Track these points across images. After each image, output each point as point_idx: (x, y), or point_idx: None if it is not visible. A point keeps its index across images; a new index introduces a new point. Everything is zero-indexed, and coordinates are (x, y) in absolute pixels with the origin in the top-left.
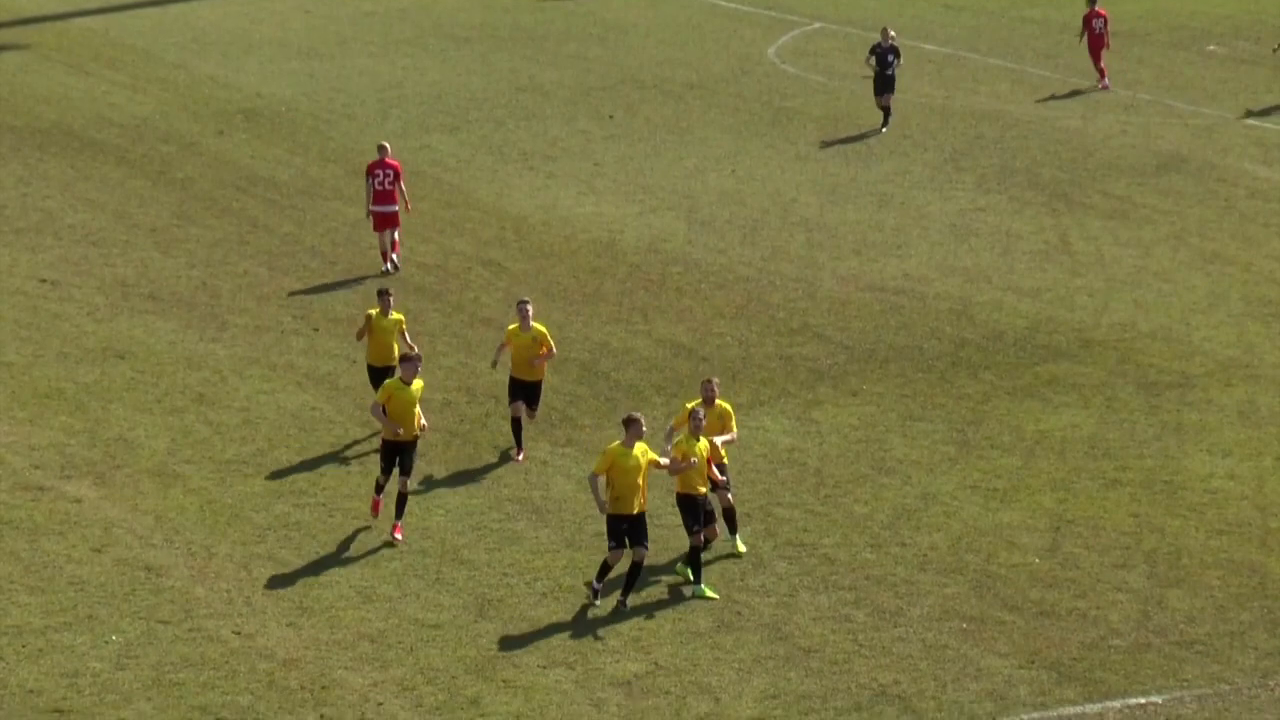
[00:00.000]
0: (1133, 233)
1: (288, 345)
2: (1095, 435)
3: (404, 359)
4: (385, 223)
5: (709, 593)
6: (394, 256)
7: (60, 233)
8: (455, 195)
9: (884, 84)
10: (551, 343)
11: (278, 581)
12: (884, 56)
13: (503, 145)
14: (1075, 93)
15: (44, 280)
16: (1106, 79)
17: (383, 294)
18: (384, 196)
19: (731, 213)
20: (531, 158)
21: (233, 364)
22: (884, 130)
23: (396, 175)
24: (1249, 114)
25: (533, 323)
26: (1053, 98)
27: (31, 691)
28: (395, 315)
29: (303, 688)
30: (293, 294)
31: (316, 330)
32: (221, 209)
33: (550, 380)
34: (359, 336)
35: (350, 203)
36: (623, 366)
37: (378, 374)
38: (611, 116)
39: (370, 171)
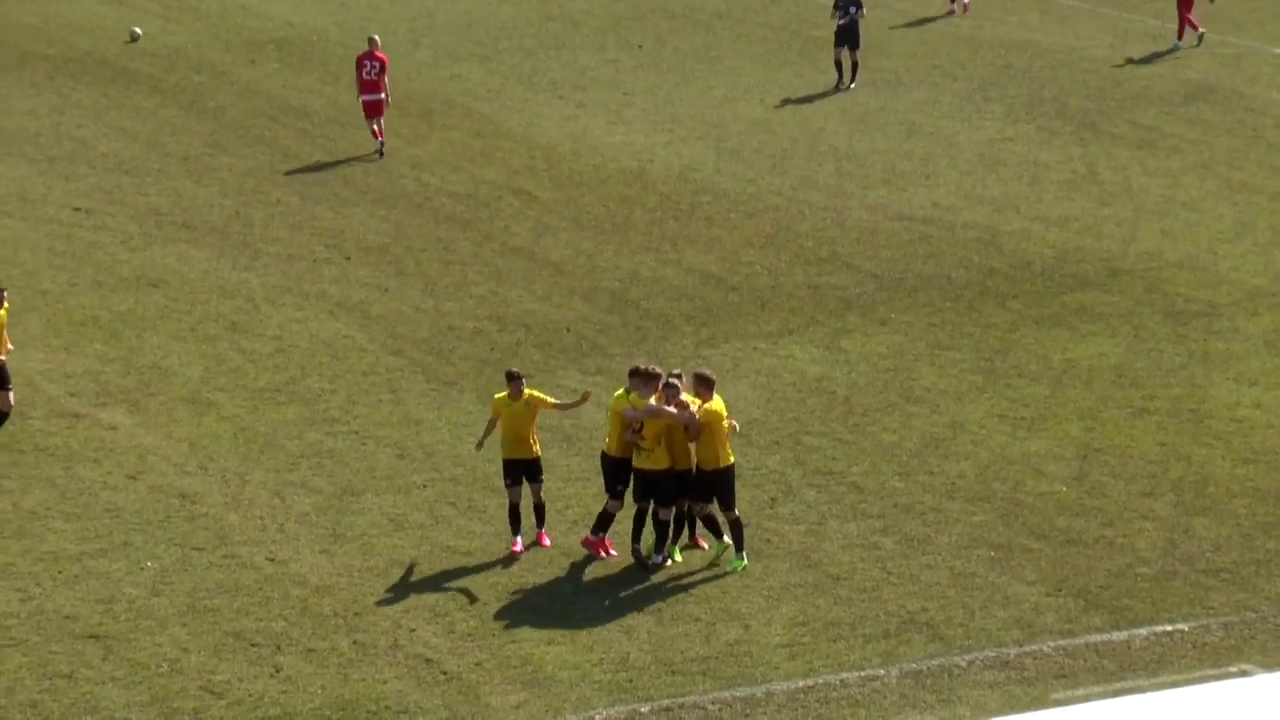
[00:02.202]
0: (1160, 162)
1: (320, 273)
2: (1122, 364)
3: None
4: (373, 110)
5: (676, 556)
6: (380, 145)
7: (94, 161)
8: (485, 124)
9: (842, 35)
10: (550, 401)
11: (311, 509)
12: (846, 7)
13: (532, 74)
14: (1105, 23)
15: (78, 209)
16: (1184, 35)
17: (513, 377)
18: (370, 85)
19: (760, 142)
20: (561, 87)
21: (265, 292)
22: (848, 87)
23: (383, 67)
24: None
25: (526, 390)
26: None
27: (68, 617)
28: (530, 393)
29: (335, 614)
30: (325, 222)
31: (349, 259)
32: (254, 138)
33: (580, 309)
34: (486, 434)
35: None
36: (652, 295)
37: (513, 467)
38: (641, 46)
39: (359, 62)
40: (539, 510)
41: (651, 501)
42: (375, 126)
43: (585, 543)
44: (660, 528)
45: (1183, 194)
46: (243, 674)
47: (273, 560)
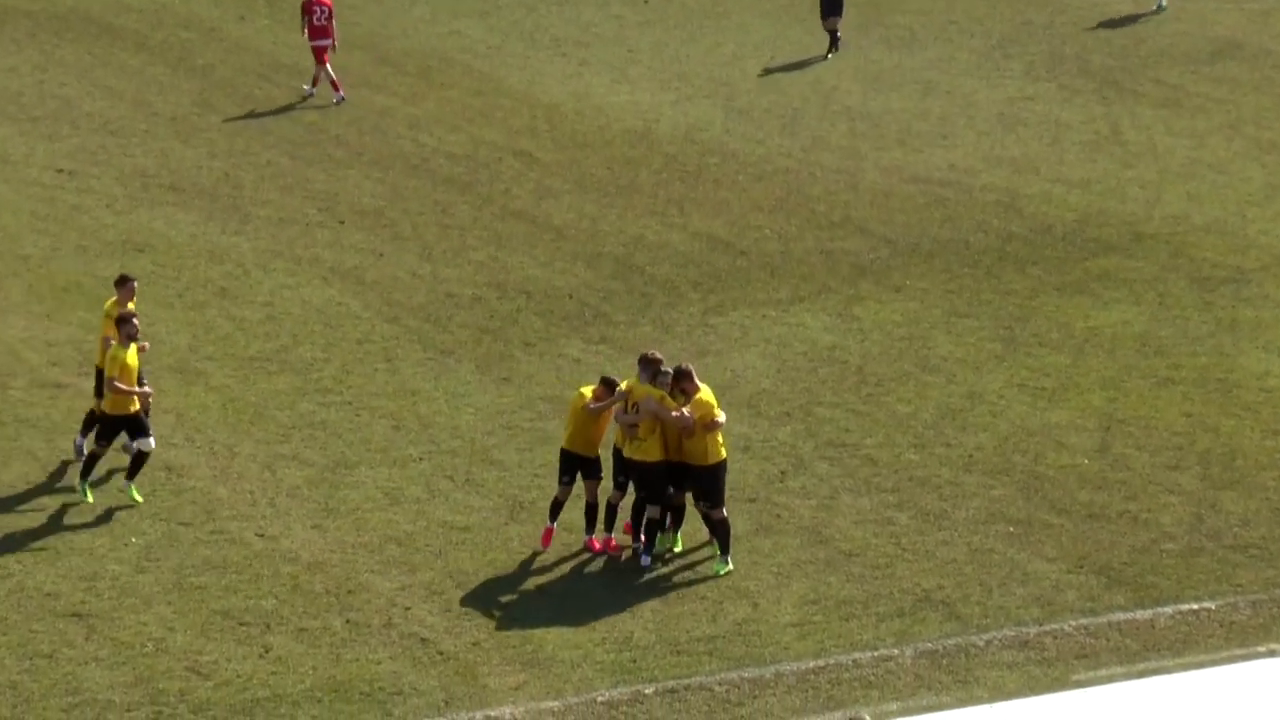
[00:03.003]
0: (1186, 122)
1: (312, 238)
2: (1147, 332)
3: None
4: (322, 55)
5: (677, 546)
6: (313, 85)
7: (78, 121)
8: (485, 83)
9: (830, 5)
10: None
11: (302, 482)
12: None
13: (534, 31)
14: None
15: (61, 170)
16: None
17: (607, 382)
18: (319, 31)
19: (770, 101)
20: (564, 44)
21: (256, 257)
22: (829, 56)
23: (330, 13)
24: None
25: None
26: None
27: (49, 595)
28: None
29: (328, 592)
30: (318, 185)
31: (342, 223)
32: (243, 97)
33: (583, 275)
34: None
35: (378, 90)
36: (658, 261)
37: (569, 460)
38: (646, 1)
39: (308, 7)
40: (590, 512)
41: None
42: (329, 75)
43: (590, 545)
44: (647, 526)
45: (1209, 155)
46: (231, 654)
47: (262, 536)
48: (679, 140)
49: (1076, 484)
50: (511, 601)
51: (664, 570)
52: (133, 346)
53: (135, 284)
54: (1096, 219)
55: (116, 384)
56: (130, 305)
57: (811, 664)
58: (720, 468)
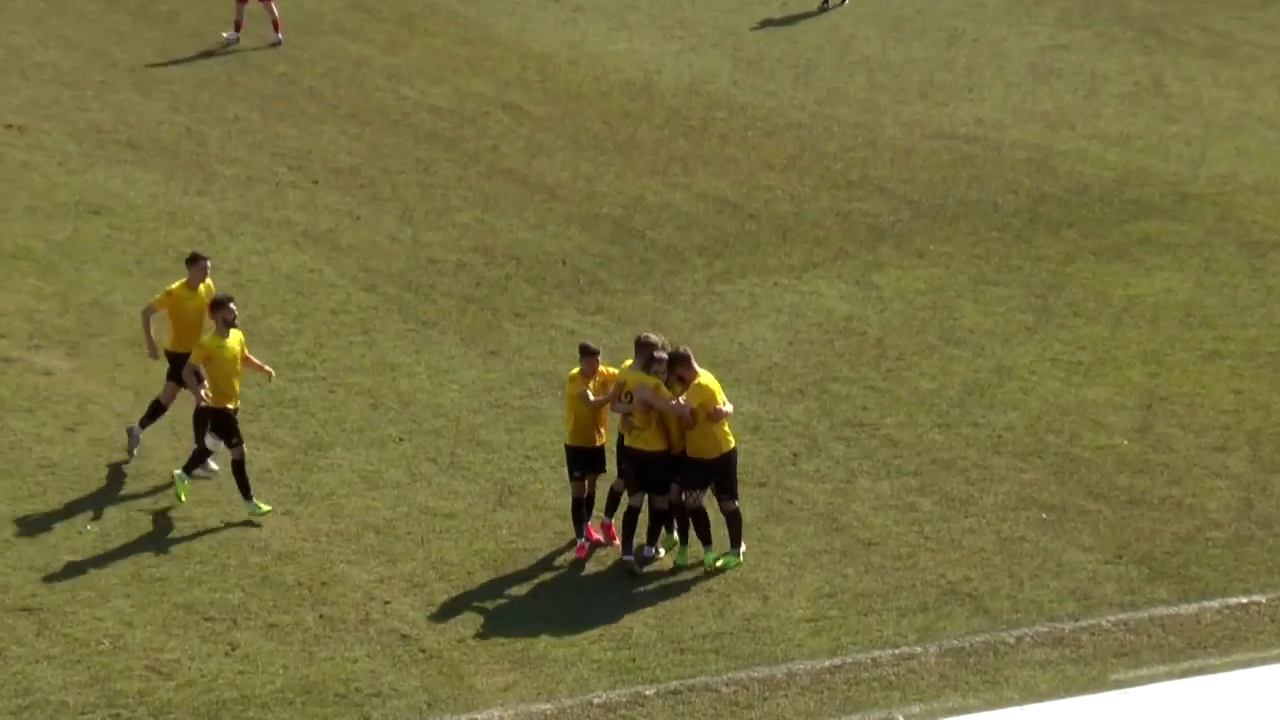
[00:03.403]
0: (1234, 73)
1: (283, 199)
2: (1192, 301)
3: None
4: None
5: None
6: (235, 30)
7: (28, 72)
8: (472, 30)
9: None
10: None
11: (272, 465)
12: None
13: None
14: None
15: (10, 125)
16: None
17: (587, 352)
18: None
19: (782, 50)
20: None
21: (221, 220)
22: (845, 1)
23: None
24: None
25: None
26: None
27: None
28: (608, 371)
29: (300, 584)
30: (289, 141)
31: (316, 182)
32: (209, 46)
33: (578, 239)
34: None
35: (354, 38)
36: (659, 224)
37: (577, 456)
38: None
39: None
40: (588, 502)
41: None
42: (271, 13)
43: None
44: (654, 517)
45: (1259, 108)
46: (194, 652)
47: (229, 523)
48: (682, 93)
49: (1115, 467)
50: (500, 595)
51: (669, 559)
52: (234, 335)
53: (208, 264)
54: (1137, 178)
55: (190, 372)
56: (202, 289)
57: (826, 663)
58: (731, 457)
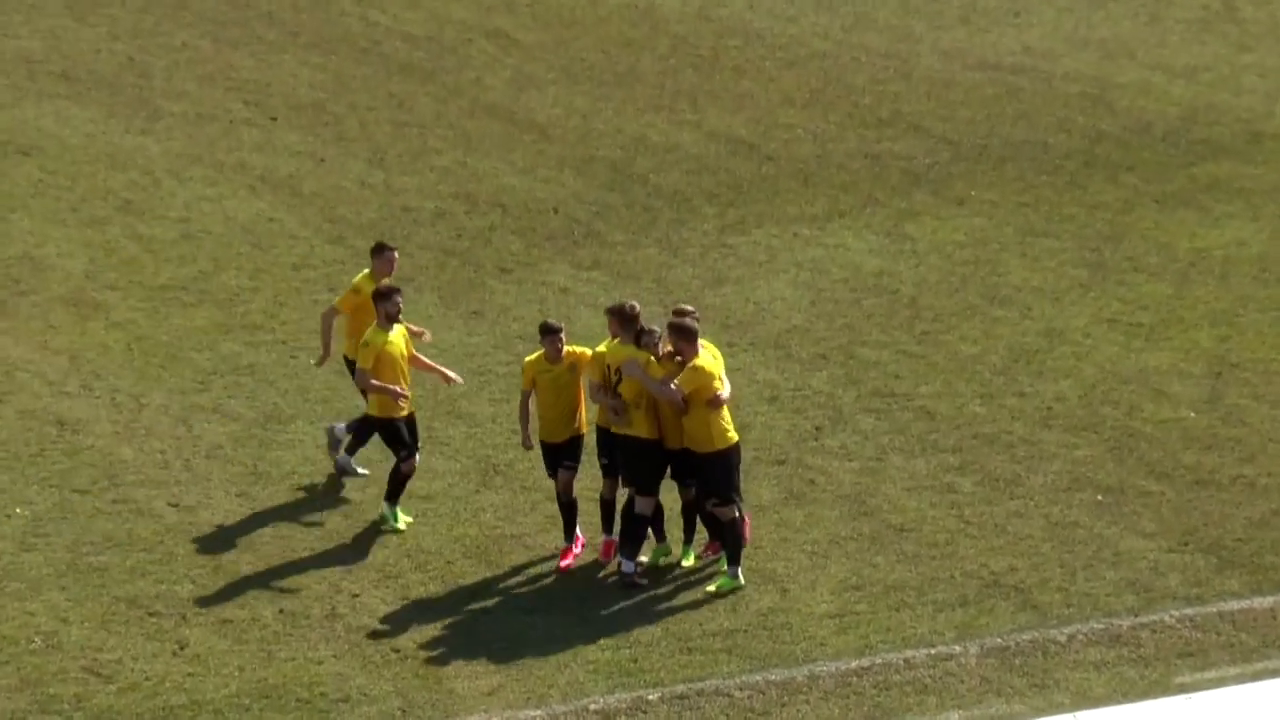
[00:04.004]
0: None
1: (237, 138)
2: (1266, 254)
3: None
4: None
5: (689, 559)
6: None
7: None
8: None
9: None
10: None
11: (225, 440)
12: None
13: None
14: None
15: None
16: None
17: (549, 331)
18: None
19: None
20: None
21: (167, 163)
22: None
23: None
24: None
25: (568, 347)
26: None
27: None
28: (575, 351)
29: (257, 574)
30: (244, 73)
31: (274, 120)
32: None
33: (572, 185)
34: (524, 418)
35: None
36: (664, 167)
37: (555, 453)
38: None
39: None
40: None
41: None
42: None
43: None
44: (636, 521)
45: None
46: (138, 651)
47: (176, 506)
48: (690, 18)
49: (1180, 443)
50: (484, 587)
51: (672, 546)
52: (398, 329)
53: (395, 255)
54: (1205, 115)
55: (370, 379)
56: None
57: (853, 664)
58: (728, 455)
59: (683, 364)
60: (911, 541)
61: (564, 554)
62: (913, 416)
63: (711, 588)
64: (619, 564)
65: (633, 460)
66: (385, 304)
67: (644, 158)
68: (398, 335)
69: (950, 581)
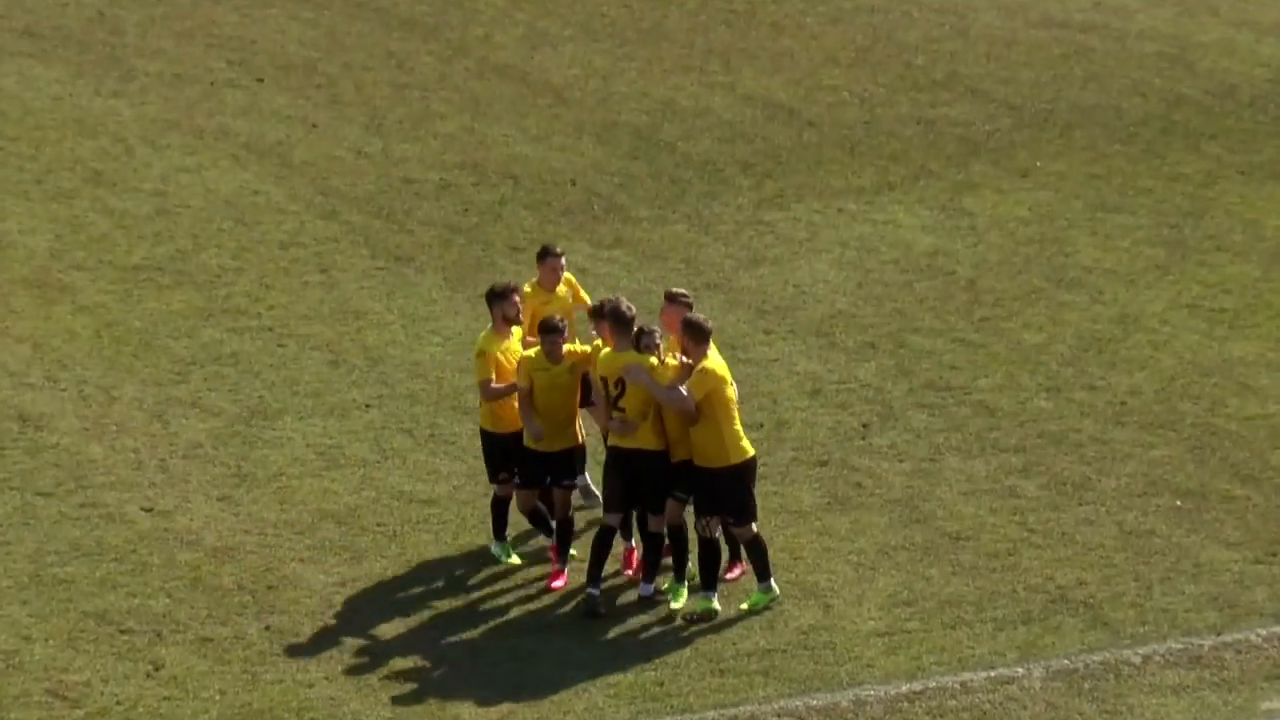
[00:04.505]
0: None
1: (220, 102)
2: None
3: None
4: None
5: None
6: None
7: None
8: None
9: None
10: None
11: (205, 438)
12: None
13: None
14: None
15: None
16: None
17: (549, 329)
18: None
19: None
20: None
21: (142, 129)
22: None
23: None
24: None
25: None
26: None
27: None
28: (576, 350)
29: (240, 587)
30: (227, 29)
31: (261, 81)
32: None
33: (591, 154)
34: (529, 416)
35: None
36: (694, 134)
37: (546, 463)
38: None
39: None
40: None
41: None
42: None
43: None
44: (651, 543)
45: None
46: (107, 672)
47: (151, 511)
48: None
49: (1267, 442)
50: (492, 601)
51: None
52: (515, 333)
53: (564, 259)
54: None
55: (491, 386)
56: (560, 290)
57: (904, 688)
58: (746, 469)
59: (688, 366)
60: (969, 552)
61: (554, 576)
62: (970, 412)
63: (745, 605)
64: (639, 587)
65: (639, 476)
66: (503, 306)
67: (671, 124)
68: (515, 342)
69: (1012, 596)
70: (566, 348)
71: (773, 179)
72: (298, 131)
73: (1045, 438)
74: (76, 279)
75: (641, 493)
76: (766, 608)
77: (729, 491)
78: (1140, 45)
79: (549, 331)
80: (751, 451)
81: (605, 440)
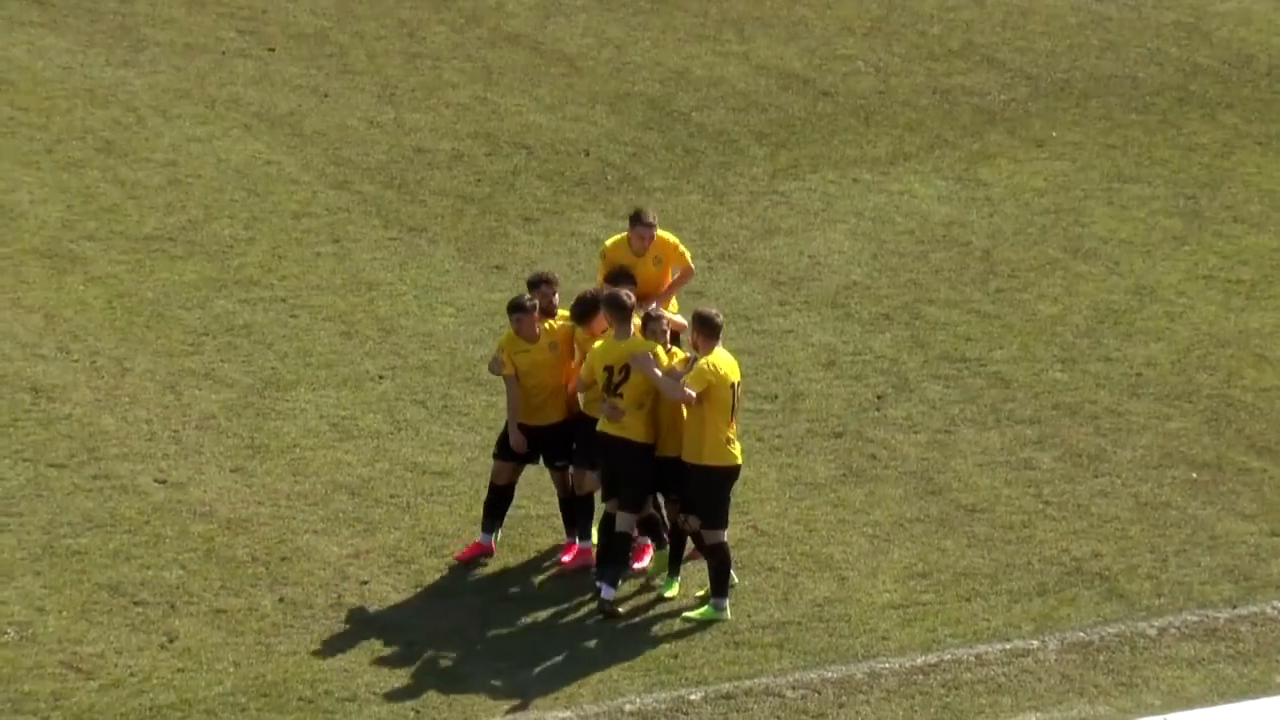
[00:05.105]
0: None
1: (230, 71)
2: None
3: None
4: None
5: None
6: None
7: None
8: None
9: None
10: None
11: (218, 410)
12: None
13: None
14: None
15: None
16: None
17: (517, 308)
18: None
19: None
20: None
21: (152, 98)
22: None
23: None
24: None
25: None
26: None
27: None
28: (555, 325)
29: (254, 559)
30: None
31: (272, 50)
32: None
33: (605, 123)
34: (514, 404)
35: None
36: (708, 104)
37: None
38: None
39: None
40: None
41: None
42: None
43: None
44: (615, 543)
45: None
46: (121, 644)
47: (164, 483)
48: None
49: None
50: (505, 574)
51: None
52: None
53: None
54: None
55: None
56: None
57: (919, 660)
58: (728, 475)
59: (694, 359)
60: (984, 524)
61: (565, 550)
62: (986, 384)
63: (693, 614)
64: (597, 588)
65: (619, 467)
66: (531, 297)
67: (685, 93)
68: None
69: (1027, 568)
70: (547, 324)
71: (787, 149)
72: (309, 101)
73: (1061, 409)
74: (88, 249)
75: (618, 483)
76: (713, 623)
77: (700, 491)
78: (1157, 14)
79: (517, 310)
80: (735, 460)
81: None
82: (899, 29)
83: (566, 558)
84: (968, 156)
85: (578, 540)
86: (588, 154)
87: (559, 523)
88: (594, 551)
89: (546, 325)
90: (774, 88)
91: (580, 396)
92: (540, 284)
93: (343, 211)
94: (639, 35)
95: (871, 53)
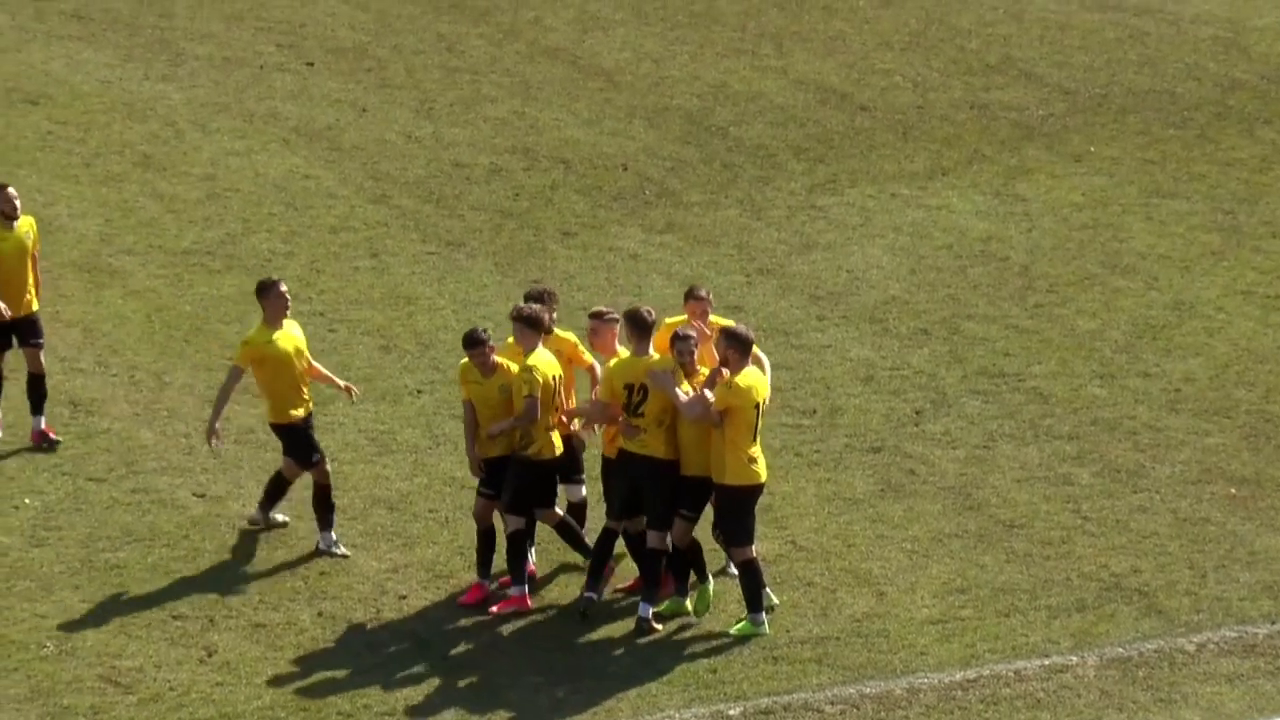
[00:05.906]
0: None
1: (269, 86)
2: None
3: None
4: None
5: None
6: None
7: None
8: None
9: None
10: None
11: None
12: None
13: None
14: None
15: None
16: None
17: (473, 341)
18: None
19: None
20: None
21: (191, 112)
22: None
23: None
24: None
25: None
26: None
27: None
28: (504, 363)
29: (292, 573)
30: (277, 11)
31: (311, 65)
32: None
33: (643, 138)
34: (471, 435)
35: None
36: (746, 118)
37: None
38: None
39: None
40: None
41: (640, 516)
42: None
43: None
44: (647, 560)
45: None
46: (160, 658)
47: (203, 496)
48: None
49: None
50: (544, 588)
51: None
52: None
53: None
54: None
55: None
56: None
57: (958, 676)
58: (740, 494)
59: (717, 372)
60: (1023, 539)
61: (510, 599)
62: (1024, 399)
63: (733, 629)
64: (588, 598)
65: (644, 485)
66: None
67: (723, 108)
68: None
69: (1066, 584)
70: (503, 363)
71: (825, 164)
72: (348, 115)
73: (1099, 425)
74: (126, 263)
75: (645, 502)
76: (753, 637)
77: (721, 508)
78: (1195, 29)
79: (473, 344)
80: (758, 479)
81: (603, 450)
82: (937, 44)
83: (467, 598)
84: (1006, 171)
85: (481, 579)
86: (625, 168)
87: (594, 536)
88: (520, 585)
89: (504, 366)
90: (812, 102)
91: (593, 415)
92: (541, 297)
93: (381, 226)
94: (677, 50)
95: (909, 67)
